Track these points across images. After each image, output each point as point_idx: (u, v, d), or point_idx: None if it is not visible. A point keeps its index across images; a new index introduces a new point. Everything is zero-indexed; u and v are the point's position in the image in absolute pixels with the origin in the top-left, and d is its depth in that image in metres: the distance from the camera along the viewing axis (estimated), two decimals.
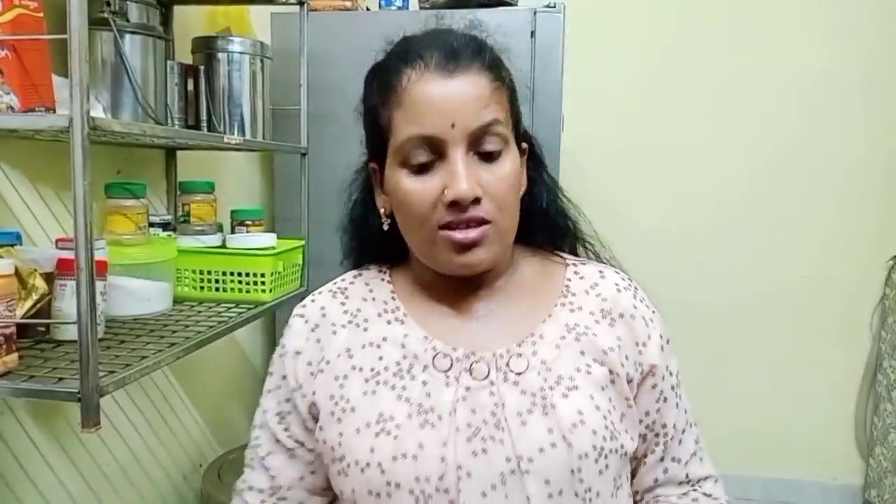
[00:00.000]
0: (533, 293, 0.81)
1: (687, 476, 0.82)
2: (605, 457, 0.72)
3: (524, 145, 0.81)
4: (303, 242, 1.65)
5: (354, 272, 0.88)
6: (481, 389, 0.73)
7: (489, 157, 0.73)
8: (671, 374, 0.82)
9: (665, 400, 0.80)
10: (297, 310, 0.84)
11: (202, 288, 1.44)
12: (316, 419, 0.78)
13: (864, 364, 2.61)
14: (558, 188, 0.87)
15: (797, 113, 2.54)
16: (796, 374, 2.63)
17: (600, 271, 0.84)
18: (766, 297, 2.62)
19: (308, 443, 0.79)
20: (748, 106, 2.56)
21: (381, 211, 0.81)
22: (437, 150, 0.72)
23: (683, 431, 0.83)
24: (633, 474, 0.83)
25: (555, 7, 1.83)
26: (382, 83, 0.76)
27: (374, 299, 0.82)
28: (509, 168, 0.74)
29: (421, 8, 1.94)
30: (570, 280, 0.83)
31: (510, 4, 1.90)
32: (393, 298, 0.82)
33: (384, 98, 0.75)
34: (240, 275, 1.44)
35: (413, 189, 0.73)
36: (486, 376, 0.74)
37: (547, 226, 0.85)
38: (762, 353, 2.64)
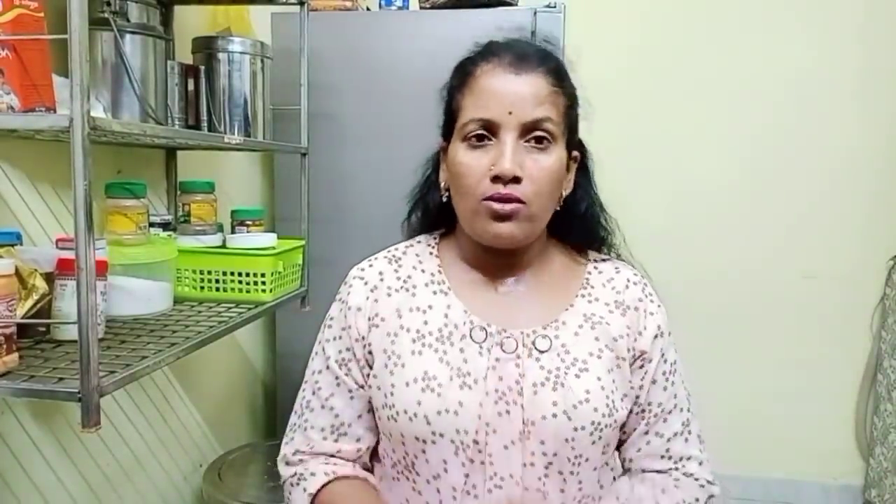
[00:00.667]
0: (557, 284, 0.93)
1: (668, 451, 0.93)
2: (601, 430, 0.85)
3: (576, 154, 0.94)
4: (303, 242, 1.65)
5: (406, 243, 1.00)
6: (508, 361, 0.86)
7: (537, 148, 0.84)
8: (665, 361, 0.93)
9: (654, 382, 0.92)
10: (355, 272, 0.96)
11: (202, 288, 1.44)
12: (370, 366, 0.91)
13: (864, 364, 2.61)
14: (600, 202, 0.99)
15: (798, 113, 2.55)
16: (796, 374, 2.63)
17: (616, 268, 0.97)
18: (766, 297, 2.62)
19: (365, 386, 0.92)
20: (749, 105, 2.57)
21: (442, 185, 0.93)
22: (492, 131, 0.84)
23: (670, 412, 0.93)
24: (621, 444, 0.95)
25: (555, 7, 1.83)
26: (461, 72, 0.90)
27: (423, 270, 0.94)
28: (552, 161, 0.85)
29: (421, 8, 1.94)
30: (590, 274, 0.95)
31: (510, 4, 1.91)
32: (440, 272, 0.94)
33: (459, 84, 0.89)
34: (240, 275, 1.44)
35: (467, 161, 0.85)
36: (514, 350, 0.86)
37: (581, 228, 0.97)
38: (762, 353, 2.64)
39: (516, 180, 0.82)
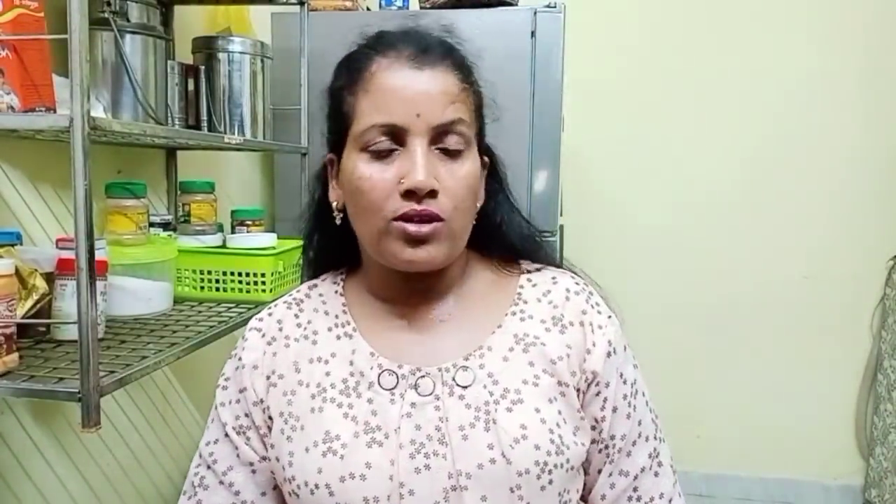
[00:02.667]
0: (484, 303, 0.80)
1: (636, 490, 0.78)
2: (549, 472, 0.70)
3: (486, 159, 0.81)
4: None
5: (310, 283, 0.87)
6: (427, 405, 0.72)
7: (450, 155, 0.72)
8: (624, 382, 0.78)
9: (614, 410, 0.77)
10: (253, 322, 0.83)
11: (202, 288, 1.44)
12: (272, 431, 0.77)
13: (864, 364, 2.61)
14: (517, 210, 0.85)
15: (797, 113, 2.55)
16: (796, 374, 2.63)
17: (553, 277, 0.82)
18: (766, 297, 2.62)
19: (267, 458, 0.78)
20: (748, 105, 2.57)
21: (334, 204, 0.79)
22: (398, 139, 0.71)
23: (634, 443, 0.78)
24: (589, 490, 0.80)
25: (555, 7, 1.83)
26: (351, 69, 0.75)
27: (326, 313, 0.81)
28: (468, 169, 0.74)
29: (421, 8, 1.94)
30: (522, 287, 0.81)
31: (510, 4, 1.90)
32: (344, 312, 0.81)
33: (351, 83, 0.75)
34: (240, 275, 1.44)
35: (370, 175, 0.71)
36: (432, 391, 0.73)
37: (502, 241, 0.83)
38: (762, 353, 2.64)
39: (432, 194, 0.70)
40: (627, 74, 2.59)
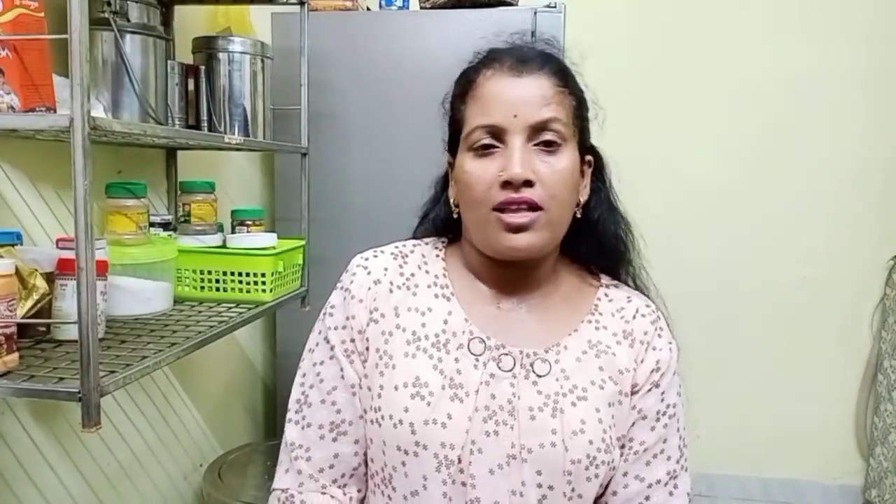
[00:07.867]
0: (564, 306, 0.89)
1: (647, 499, 0.84)
2: (596, 466, 0.79)
3: (589, 158, 0.89)
4: (303, 242, 1.65)
5: (413, 242, 0.95)
6: (503, 380, 0.81)
7: (547, 151, 0.80)
8: (662, 400, 0.86)
9: (644, 417, 0.85)
10: (360, 261, 0.91)
11: (202, 288, 1.44)
12: (367, 362, 0.86)
13: (864, 364, 2.61)
14: (617, 208, 0.93)
15: (798, 112, 2.55)
16: (796, 374, 2.63)
17: (628, 297, 0.91)
18: (766, 297, 2.62)
19: (363, 382, 0.86)
20: (748, 105, 2.57)
21: (451, 200, 0.89)
22: (499, 137, 0.80)
23: (655, 456, 0.85)
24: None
25: (555, 7, 1.83)
26: (463, 81, 0.87)
27: (427, 272, 0.90)
28: (565, 163, 0.81)
29: (421, 8, 1.94)
30: (599, 300, 0.90)
31: (510, 4, 1.90)
32: (444, 275, 0.90)
33: (462, 93, 0.86)
34: (240, 275, 1.44)
35: (474, 170, 0.81)
36: (511, 369, 0.82)
37: (595, 242, 0.91)
38: (762, 353, 2.65)
39: (528, 184, 0.78)
40: (627, 74, 2.59)
